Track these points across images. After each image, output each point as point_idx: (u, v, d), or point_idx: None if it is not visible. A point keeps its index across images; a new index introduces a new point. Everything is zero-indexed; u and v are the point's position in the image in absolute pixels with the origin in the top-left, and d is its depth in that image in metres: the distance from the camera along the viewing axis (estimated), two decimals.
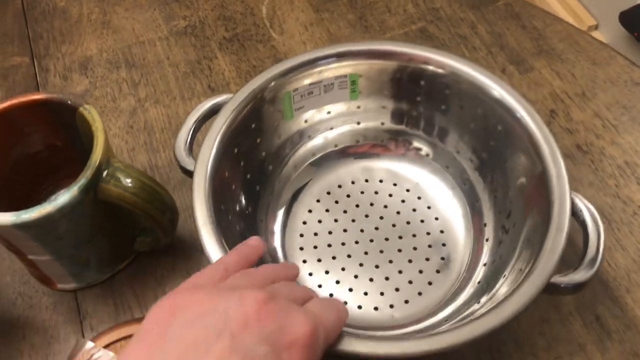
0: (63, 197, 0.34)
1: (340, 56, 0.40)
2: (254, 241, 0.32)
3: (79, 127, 0.38)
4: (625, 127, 0.47)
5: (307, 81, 0.40)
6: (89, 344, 0.33)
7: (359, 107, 0.43)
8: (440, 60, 0.39)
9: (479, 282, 0.38)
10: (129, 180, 0.36)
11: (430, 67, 0.39)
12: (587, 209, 0.34)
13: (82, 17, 0.57)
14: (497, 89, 0.38)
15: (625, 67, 0.51)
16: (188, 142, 0.37)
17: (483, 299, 0.35)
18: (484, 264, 0.38)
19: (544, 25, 0.54)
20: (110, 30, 0.55)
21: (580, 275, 0.32)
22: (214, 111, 0.38)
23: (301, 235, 0.41)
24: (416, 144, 0.43)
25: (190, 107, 0.50)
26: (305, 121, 0.42)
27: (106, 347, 0.35)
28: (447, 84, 0.40)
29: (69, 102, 0.37)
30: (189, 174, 0.36)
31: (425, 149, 0.43)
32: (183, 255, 0.42)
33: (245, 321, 0.24)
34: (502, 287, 0.34)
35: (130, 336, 0.31)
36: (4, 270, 0.42)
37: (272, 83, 0.39)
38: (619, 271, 0.40)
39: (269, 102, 0.39)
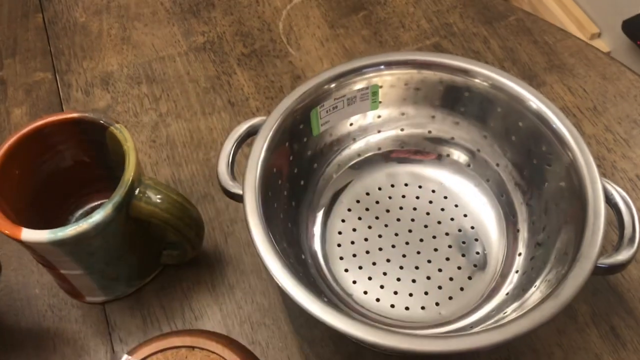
0: (98, 215, 0.35)
1: (389, 65, 0.42)
2: None
3: (108, 144, 0.40)
4: (636, 141, 0.48)
5: (332, 96, 0.42)
6: (125, 357, 0.34)
7: (403, 114, 0.45)
8: (482, 72, 0.41)
9: (516, 272, 0.39)
10: (159, 197, 0.37)
11: (475, 80, 0.41)
12: (617, 193, 0.36)
13: (102, 33, 0.58)
14: (535, 101, 0.39)
15: (635, 82, 0.52)
16: (229, 166, 0.38)
17: (528, 290, 0.37)
18: (516, 271, 0.40)
19: (555, 40, 0.55)
20: (130, 46, 0.57)
21: (622, 254, 0.34)
22: (249, 134, 0.40)
23: (339, 245, 0.42)
24: (456, 153, 0.45)
25: (211, 122, 0.51)
26: (331, 135, 0.44)
27: None
28: (486, 95, 0.41)
29: (102, 121, 0.38)
30: (235, 197, 0.38)
31: (465, 159, 0.45)
32: (207, 267, 0.43)
33: None
34: (532, 297, 0.35)
35: (166, 349, 0.32)
36: (33, 283, 0.43)
37: (301, 102, 0.40)
38: (632, 283, 0.41)
39: (299, 120, 0.41)
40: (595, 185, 0.36)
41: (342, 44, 0.56)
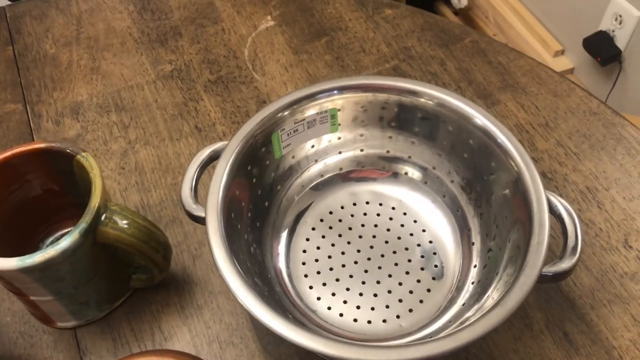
0: (65, 242, 0.36)
1: (342, 89, 0.44)
2: None
3: (75, 173, 0.41)
4: (586, 155, 0.51)
5: (292, 120, 0.43)
6: None
7: (362, 135, 0.47)
8: (429, 93, 0.43)
9: (472, 282, 0.41)
10: (125, 222, 0.38)
11: (422, 99, 0.44)
12: (560, 204, 0.38)
13: (72, 64, 0.59)
14: (480, 118, 0.41)
15: (584, 98, 0.55)
16: (193, 190, 0.40)
17: (482, 299, 0.38)
18: (472, 282, 0.42)
19: (508, 60, 0.58)
20: (100, 76, 0.58)
21: (566, 263, 0.36)
22: (212, 158, 0.41)
23: (303, 264, 0.44)
24: (412, 171, 0.47)
25: (178, 148, 0.52)
26: (293, 157, 0.46)
27: None
28: (436, 114, 0.44)
29: (68, 150, 0.40)
30: (199, 220, 0.39)
31: (420, 176, 0.47)
32: (176, 289, 0.45)
33: None
34: (486, 304, 0.37)
35: None
36: (4, 311, 0.44)
37: (262, 126, 0.42)
38: (583, 290, 0.43)
39: (260, 144, 0.43)
40: (540, 197, 0.38)
41: (306, 68, 0.58)
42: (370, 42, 0.60)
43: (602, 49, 1.17)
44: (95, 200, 0.38)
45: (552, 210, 0.38)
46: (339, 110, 0.45)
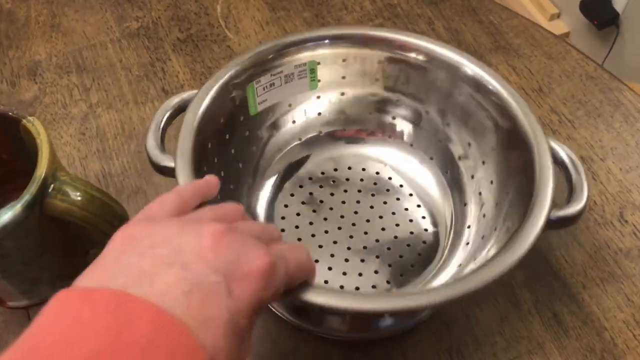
0: (6, 215, 0.32)
1: (335, 38, 0.41)
2: (211, 178, 0.31)
3: (24, 139, 0.37)
4: (581, 122, 0.47)
5: (268, 72, 0.40)
6: None
7: (343, 94, 0.43)
8: (417, 43, 0.40)
9: (467, 243, 0.38)
10: (77, 194, 0.35)
11: (411, 54, 0.40)
12: (561, 149, 0.36)
13: (30, 20, 0.55)
14: (470, 67, 0.39)
15: (580, 61, 0.51)
16: (160, 140, 0.36)
17: (478, 257, 0.36)
18: (468, 226, 0.39)
19: (501, 20, 0.54)
20: (60, 34, 0.54)
21: (573, 207, 0.33)
22: (180, 109, 0.37)
23: (283, 230, 0.41)
24: (399, 128, 0.44)
25: (144, 112, 0.48)
26: (269, 114, 0.42)
27: None
28: (426, 68, 0.40)
29: (11, 113, 0.36)
30: (165, 171, 0.35)
31: (408, 136, 0.44)
32: None
33: (199, 253, 0.23)
34: (492, 249, 0.34)
35: None
36: None
37: (235, 77, 0.38)
38: (575, 267, 0.40)
39: (234, 96, 0.39)
40: (540, 141, 0.35)
41: (283, 26, 0.54)
42: None
43: (599, 12, 1.13)
44: (41, 170, 0.34)
45: (554, 158, 0.35)
46: (318, 63, 0.41)
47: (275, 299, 0.26)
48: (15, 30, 0.54)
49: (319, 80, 0.42)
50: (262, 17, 0.54)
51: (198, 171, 0.34)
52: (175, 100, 0.38)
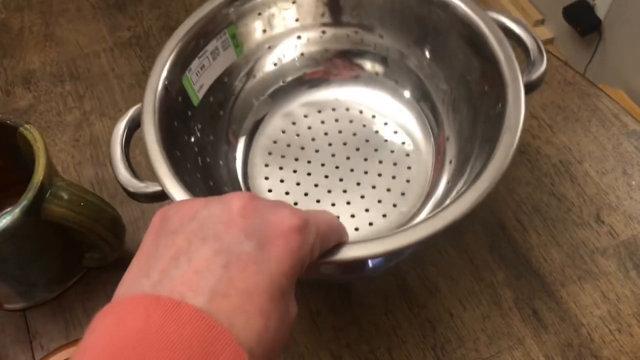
0: (5, 220, 0.34)
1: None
2: None
3: (20, 146, 0.38)
4: (560, 127, 0.49)
5: (196, 56, 0.39)
6: None
7: (299, 37, 0.44)
8: None
9: (447, 183, 0.39)
10: (72, 199, 0.36)
11: None
12: (510, 20, 0.38)
13: (24, 30, 0.56)
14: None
15: (559, 68, 0.53)
16: (128, 167, 0.36)
17: (453, 194, 0.36)
18: (450, 161, 0.40)
19: None
20: (54, 43, 0.55)
21: (538, 69, 0.37)
22: (131, 129, 0.37)
23: (266, 178, 0.41)
24: (364, 62, 0.45)
25: None
26: (211, 99, 0.41)
27: None
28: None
29: (9, 121, 0.37)
30: (151, 197, 0.35)
31: (374, 67, 0.45)
32: None
33: (229, 221, 0.23)
34: (471, 177, 0.35)
35: None
36: None
37: (169, 76, 0.38)
38: (554, 266, 0.42)
39: (175, 93, 0.38)
40: (489, 24, 0.37)
41: None
42: None
43: (582, 19, 1.15)
44: (38, 176, 0.35)
45: (507, 33, 0.37)
46: (237, 27, 0.41)
47: (313, 259, 0.25)
48: (9, 40, 0.55)
49: (242, 43, 0.42)
50: None
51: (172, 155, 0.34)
52: (121, 125, 0.37)
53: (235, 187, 0.41)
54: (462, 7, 0.38)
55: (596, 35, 1.16)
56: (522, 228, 0.44)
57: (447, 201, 0.33)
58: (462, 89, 0.40)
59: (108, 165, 0.47)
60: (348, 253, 0.29)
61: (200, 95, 0.40)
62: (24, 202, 0.34)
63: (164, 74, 0.37)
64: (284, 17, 0.43)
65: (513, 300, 0.41)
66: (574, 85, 0.52)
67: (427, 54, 0.42)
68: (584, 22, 1.15)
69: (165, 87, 0.37)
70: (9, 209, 0.43)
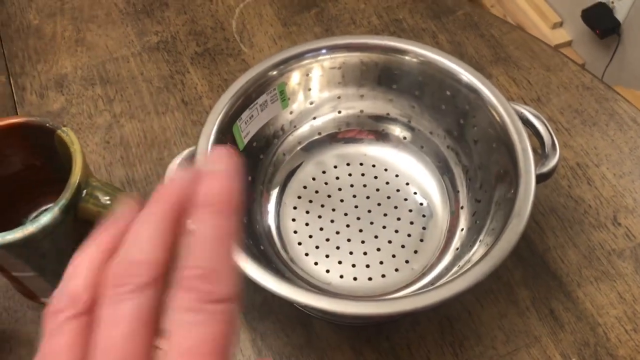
0: (45, 218, 0.35)
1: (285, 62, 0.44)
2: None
3: (57, 147, 0.40)
4: (577, 130, 0.50)
5: (246, 108, 0.43)
6: None
7: (339, 97, 0.46)
8: (413, 50, 0.44)
9: (457, 249, 0.41)
10: (107, 198, 0.38)
11: (406, 57, 0.44)
12: (527, 111, 0.41)
13: (56, 35, 0.58)
14: (465, 74, 0.43)
15: (577, 72, 0.54)
16: None
17: (461, 262, 0.39)
18: (462, 229, 0.42)
19: (501, 34, 0.57)
20: (84, 48, 0.57)
21: (550, 162, 0.39)
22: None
23: (299, 244, 0.44)
24: (394, 127, 0.47)
25: (164, 122, 0.51)
26: (254, 144, 0.45)
27: None
28: (418, 71, 0.44)
29: (48, 125, 0.39)
30: None
31: (400, 132, 0.47)
32: None
33: None
34: (478, 251, 0.38)
35: None
36: None
37: (221, 122, 0.41)
38: (571, 267, 0.43)
39: (226, 140, 0.42)
40: (511, 114, 0.39)
41: (295, 41, 0.57)
42: (361, 13, 0.59)
43: (601, 21, 1.16)
44: (75, 176, 0.37)
45: (523, 121, 0.40)
46: (285, 84, 0.44)
47: None
48: (42, 45, 0.57)
49: (288, 98, 0.45)
50: (275, 32, 0.57)
51: None
52: (177, 160, 0.40)
53: (266, 226, 0.44)
54: (488, 95, 0.41)
55: (615, 37, 1.16)
56: (540, 229, 0.45)
57: (454, 268, 0.38)
58: (481, 169, 0.42)
59: (138, 165, 0.49)
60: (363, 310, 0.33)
61: (246, 141, 0.44)
62: (62, 201, 0.36)
63: (217, 123, 0.41)
64: (329, 80, 0.46)
65: (530, 300, 0.42)
66: (591, 90, 0.52)
67: (454, 132, 0.44)
68: (603, 25, 1.15)
69: (217, 133, 0.41)
70: (48, 207, 0.46)
